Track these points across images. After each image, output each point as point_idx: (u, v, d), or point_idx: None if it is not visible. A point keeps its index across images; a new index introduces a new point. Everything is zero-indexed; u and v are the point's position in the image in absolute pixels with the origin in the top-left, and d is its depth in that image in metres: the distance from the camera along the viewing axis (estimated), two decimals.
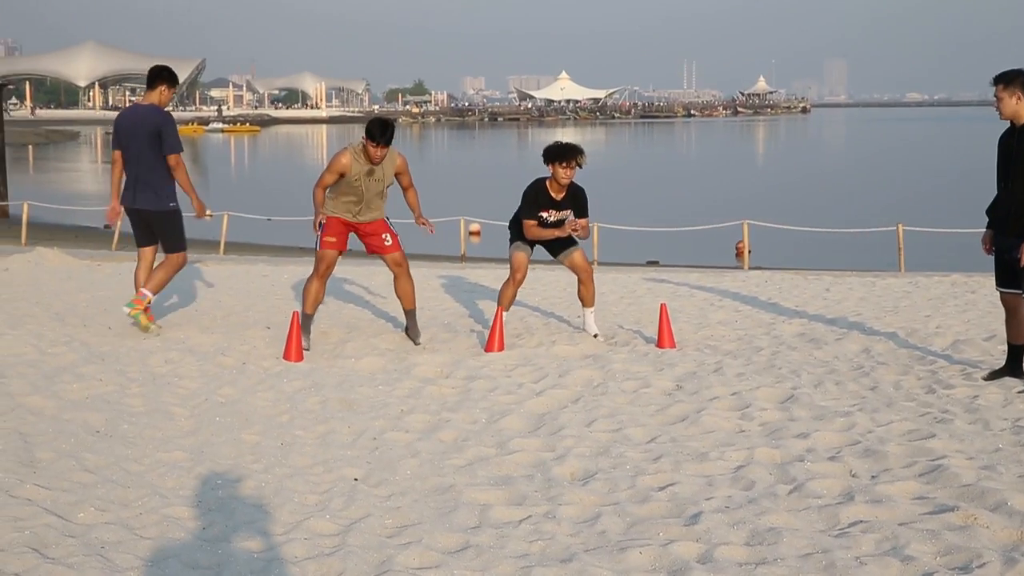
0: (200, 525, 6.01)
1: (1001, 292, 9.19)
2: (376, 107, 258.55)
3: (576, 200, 11.01)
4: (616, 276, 17.76)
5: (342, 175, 10.57)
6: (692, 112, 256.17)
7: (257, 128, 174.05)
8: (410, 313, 11.10)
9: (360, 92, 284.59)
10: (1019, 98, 8.76)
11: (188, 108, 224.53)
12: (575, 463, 7.07)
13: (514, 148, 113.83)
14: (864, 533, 5.77)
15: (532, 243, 11.14)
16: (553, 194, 10.90)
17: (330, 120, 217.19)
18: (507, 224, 11.38)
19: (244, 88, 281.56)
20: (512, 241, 11.24)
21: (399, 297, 11.05)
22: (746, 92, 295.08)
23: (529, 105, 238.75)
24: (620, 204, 41.62)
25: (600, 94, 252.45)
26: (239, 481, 6.74)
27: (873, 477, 6.73)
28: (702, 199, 47.46)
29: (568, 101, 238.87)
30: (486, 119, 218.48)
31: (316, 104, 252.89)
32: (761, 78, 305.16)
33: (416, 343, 10.96)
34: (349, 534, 5.84)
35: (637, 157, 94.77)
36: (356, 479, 6.83)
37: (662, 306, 11.23)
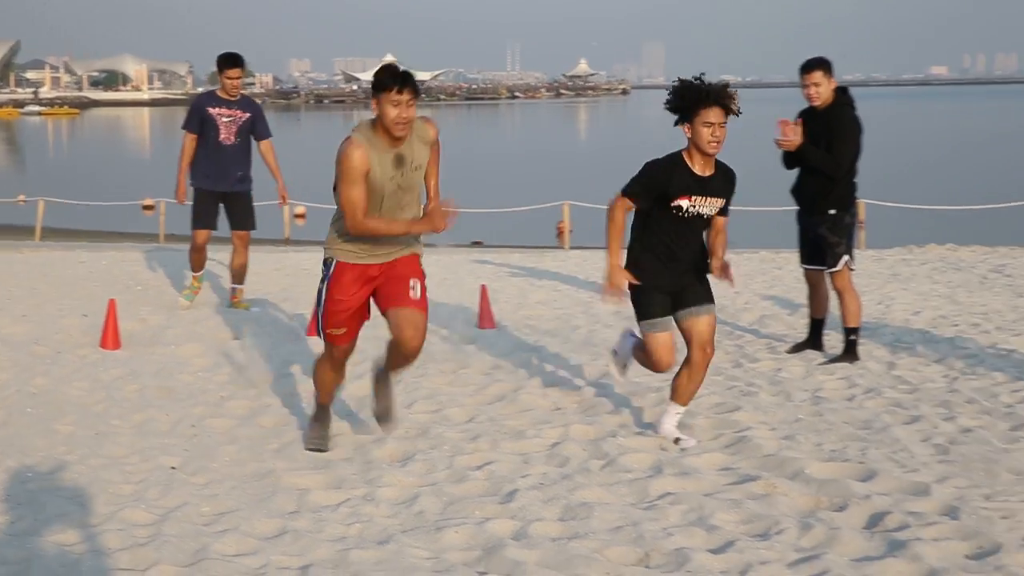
0: (8, 520, 5.82)
1: (805, 268, 9.48)
2: (200, 89, 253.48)
3: (728, 184, 6.98)
4: (439, 258, 17.77)
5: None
6: (516, 94, 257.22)
7: (76, 111, 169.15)
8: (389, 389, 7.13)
9: (183, 74, 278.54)
10: (828, 83, 9.04)
11: (2, 91, 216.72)
12: (394, 445, 7.09)
13: (340, 130, 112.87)
14: (672, 505, 5.92)
15: (670, 296, 7.05)
16: (697, 169, 6.81)
17: (152, 103, 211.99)
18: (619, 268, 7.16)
19: (61, 70, 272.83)
20: (637, 304, 7.09)
21: (393, 366, 6.92)
22: (568, 74, 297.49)
23: (355, 87, 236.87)
24: (444, 185, 41.59)
25: (425, 76, 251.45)
26: (51, 473, 6.56)
27: (681, 450, 6.89)
28: (525, 180, 47.69)
29: None
30: (312, 101, 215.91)
31: (137, 86, 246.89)
32: (583, 60, 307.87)
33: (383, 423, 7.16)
34: (165, 523, 5.74)
35: (462, 138, 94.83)
36: (173, 467, 6.72)
37: (483, 287, 11.29)
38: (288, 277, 14.46)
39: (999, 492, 5.99)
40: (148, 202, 29.61)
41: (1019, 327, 10.45)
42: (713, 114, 6.63)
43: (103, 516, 5.88)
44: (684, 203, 6.76)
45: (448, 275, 14.97)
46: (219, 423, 7.68)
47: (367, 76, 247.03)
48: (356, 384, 8.35)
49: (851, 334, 9.17)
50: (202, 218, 11.44)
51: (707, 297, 7.11)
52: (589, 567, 5.17)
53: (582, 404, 7.99)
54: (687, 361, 7.00)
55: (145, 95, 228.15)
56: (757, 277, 14.23)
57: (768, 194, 17.28)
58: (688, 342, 7.01)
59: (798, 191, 9.30)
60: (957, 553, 5.19)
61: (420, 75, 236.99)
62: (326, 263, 6.74)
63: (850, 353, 9.13)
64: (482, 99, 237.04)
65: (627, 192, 6.92)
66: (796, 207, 9.38)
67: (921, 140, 74.30)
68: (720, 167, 6.90)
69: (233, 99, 11.25)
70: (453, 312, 11.61)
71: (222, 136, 11.18)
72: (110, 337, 9.94)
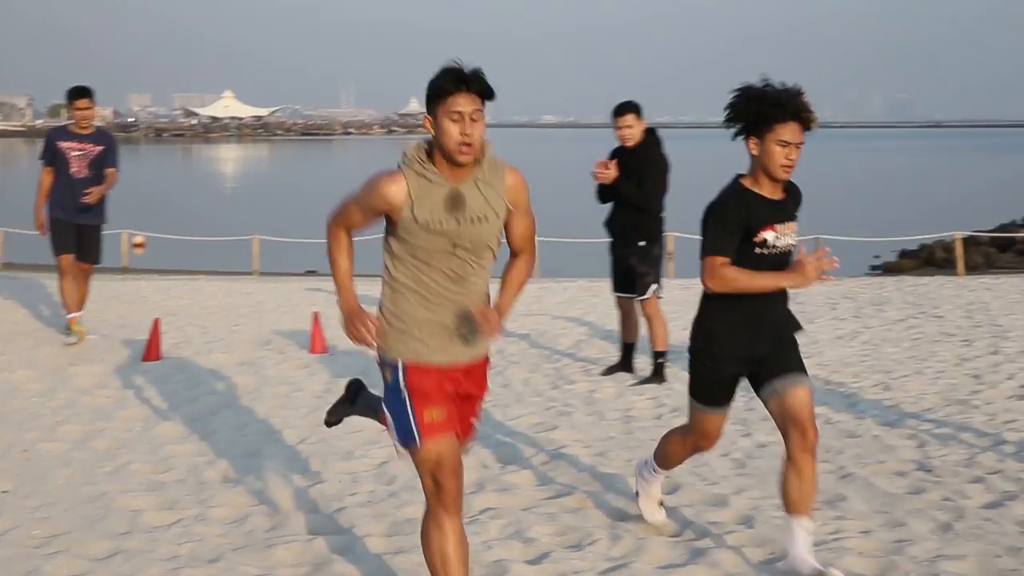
0: None
1: (617, 296, 9.63)
2: (40, 121, 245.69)
3: (799, 203, 5.42)
4: (276, 286, 17.58)
5: (390, 220, 4.40)
6: (350, 130, 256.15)
7: None
8: None
9: (22, 107, 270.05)
10: (638, 125, 9.23)
11: None
12: (226, 466, 6.95)
13: (178, 162, 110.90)
14: (492, 519, 5.93)
15: (729, 384, 5.39)
16: (768, 193, 5.25)
17: None
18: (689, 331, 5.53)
19: None
20: (695, 389, 5.43)
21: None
22: (400, 112, 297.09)
23: (194, 122, 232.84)
24: (280, 216, 41.15)
25: (263, 112, 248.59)
26: None
27: (503, 467, 6.91)
28: None
29: (232, 118, 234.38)
30: (152, 135, 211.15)
31: None
32: (414, 99, 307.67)
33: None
34: None
35: (297, 171, 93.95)
36: (5, 491, 6.47)
37: (315, 314, 11.17)
38: (125, 305, 14.07)
39: None
40: None
41: (809, 350, 10.76)
42: (790, 131, 5.11)
43: None
44: (769, 235, 5.16)
45: (283, 302, 14.79)
46: (53, 447, 7.41)
47: (207, 111, 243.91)
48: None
49: (659, 357, 9.33)
50: (62, 244, 10.77)
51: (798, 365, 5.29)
52: None
53: None
54: (790, 458, 5.09)
55: None
56: (574, 304, 14.39)
57: (584, 227, 17.50)
58: (783, 427, 5.17)
59: (611, 224, 9.45)
60: (751, 559, 5.32)
61: (257, 111, 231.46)
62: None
63: (658, 375, 9.29)
64: (317, 135, 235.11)
65: (717, 251, 5.14)
66: (609, 239, 9.53)
67: (724, 178, 76.23)
68: (789, 186, 5.35)
69: (85, 132, 10.73)
70: (287, 338, 11.46)
71: (73, 169, 10.64)
72: None
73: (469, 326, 4.38)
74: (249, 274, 23.24)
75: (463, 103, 4.26)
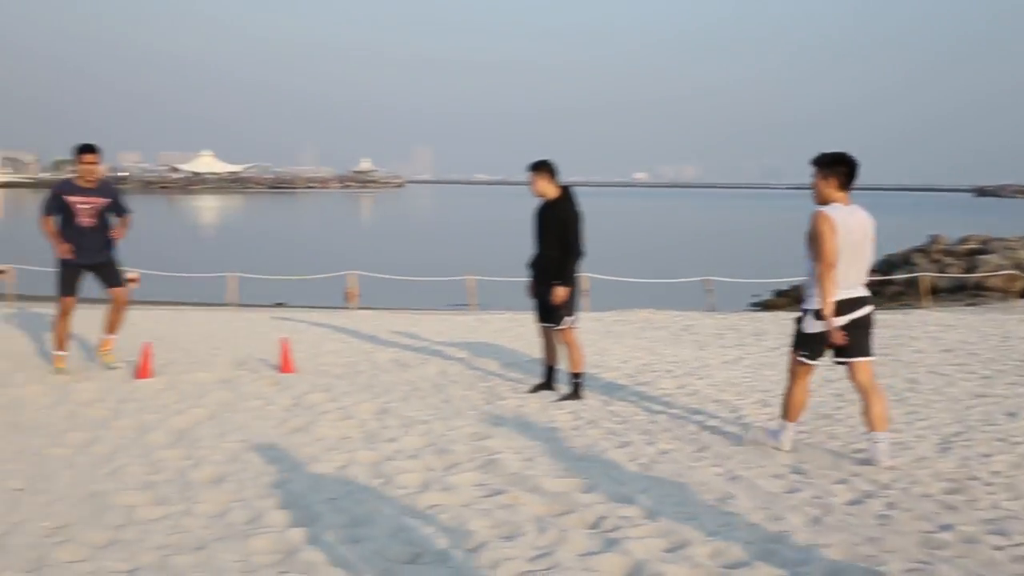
0: None
1: (541, 326, 9.65)
2: (45, 174, 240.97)
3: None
4: (250, 316, 17.40)
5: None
6: (311, 185, 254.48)
7: None
8: None
9: (29, 162, 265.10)
10: (546, 180, 9.25)
11: None
12: (209, 469, 6.85)
13: (165, 210, 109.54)
14: (438, 514, 5.89)
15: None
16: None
17: (2, 185, 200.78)
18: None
19: None
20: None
21: None
22: (354, 170, 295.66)
23: (178, 176, 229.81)
24: (253, 256, 40.80)
25: (238, 168, 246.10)
26: None
27: (445, 470, 6.89)
28: (318, 252, 47.18)
29: (211, 173, 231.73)
30: (141, 187, 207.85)
31: None
32: (366, 159, 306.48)
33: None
34: (10, 536, 5.40)
35: (267, 219, 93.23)
36: (19, 489, 6.32)
37: (283, 339, 11.08)
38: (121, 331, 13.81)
39: (687, 499, 6.20)
40: (0, 268, 27.93)
41: (701, 372, 10.88)
42: None
43: None
44: None
45: (255, 330, 14.64)
46: (59, 451, 7.26)
47: (189, 167, 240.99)
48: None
49: (576, 378, 9.36)
50: (67, 286, 10.08)
51: None
52: (370, 565, 5.11)
53: (365, 434, 7.89)
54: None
55: None
56: (505, 332, 14.40)
57: (515, 267, 17.56)
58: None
59: (534, 264, 9.47)
60: (657, 548, 5.34)
61: (232, 168, 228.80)
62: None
63: (575, 393, 9.32)
64: (284, 188, 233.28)
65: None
66: (531, 278, 9.53)
67: (628, 228, 76.96)
68: None
69: (91, 186, 9.94)
70: (259, 359, 11.34)
71: (81, 220, 9.94)
72: None
73: None
74: (226, 305, 22.97)
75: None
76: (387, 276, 26.92)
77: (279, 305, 24.42)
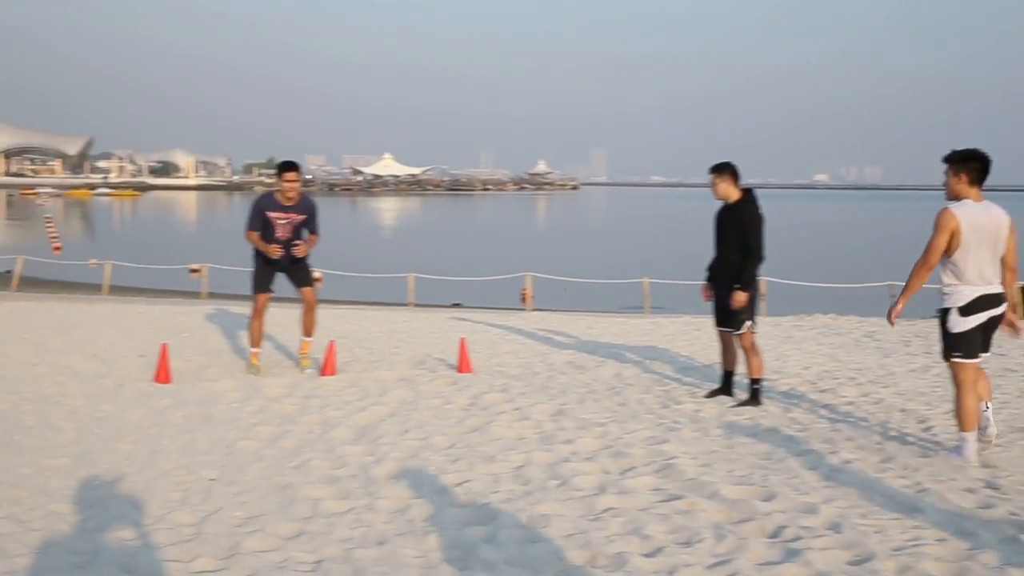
0: (80, 519, 5.75)
1: (719, 330, 9.51)
2: (236, 177, 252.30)
3: None
4: (428, 316, 17.77)
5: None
6: (488, 187, 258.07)
7: (137, 193, 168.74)
8: None
9: (222, 165, 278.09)
10: (729, 183, 9.11)
11: (79, 176, 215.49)
12: (390, 465, 7.02)
13: (348, 211, 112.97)
14: (613, 517, 5.87)
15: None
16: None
17: (198, 187, 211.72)
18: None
19: (126, 160, 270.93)
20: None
21: None
22: (530, 172, 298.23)
23: (360, 178, 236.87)
24: (431, 257, 41.65)
25: (417, 171, 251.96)
26: (114, 482, 6.48)
27: (621, 473, 6.86)
28: (496, 254, 47.79)
29: (391, 176, 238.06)
30: (326, 189, 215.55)
31: (186, 174, 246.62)
32: (542, 161, 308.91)
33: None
34: (205, 524, 5.68)
35: (444, 220, 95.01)
36: (212, 479, 6.64)
37: (462, 340, 11.26)
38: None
39: (873, 512, 5.99)
40: (195, 267, 29.38)
41: (886, 380, 10.50)
42: None
43: (155, 517, 5.80)
44: None
45: (433, 329, 14.94)
46: (249, 444, 7.59)
47: (371, 170, 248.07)
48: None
49: (755, 384, 9.18)
50: (262, 284, 10.45)
51: None
52: (547, 565, 5.13)
53: (541, 435, 7.94)
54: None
55: (192, 181, 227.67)
56: (680, 337, 14.25)
57: (691, 271, 17.35)
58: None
59: (711, 267, 9.35)
60: (840, 560, 5.18)
61: (412, 170, 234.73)
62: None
63: (754, 399, 9.14)
64: (461, 190, 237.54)
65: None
66: (709, 281, 9.41)
67: (807, 231, 74.96)
68: None
69: (290, 203, 10.14)
70: (438, 359, 11.57)
71: (278, 234, 10.21)
72: (162, 373, 9.86)
73: None
74: (405, 305, 23.52)
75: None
76: (562, 277, 27.06)
77: (456, 305, 24.82)
